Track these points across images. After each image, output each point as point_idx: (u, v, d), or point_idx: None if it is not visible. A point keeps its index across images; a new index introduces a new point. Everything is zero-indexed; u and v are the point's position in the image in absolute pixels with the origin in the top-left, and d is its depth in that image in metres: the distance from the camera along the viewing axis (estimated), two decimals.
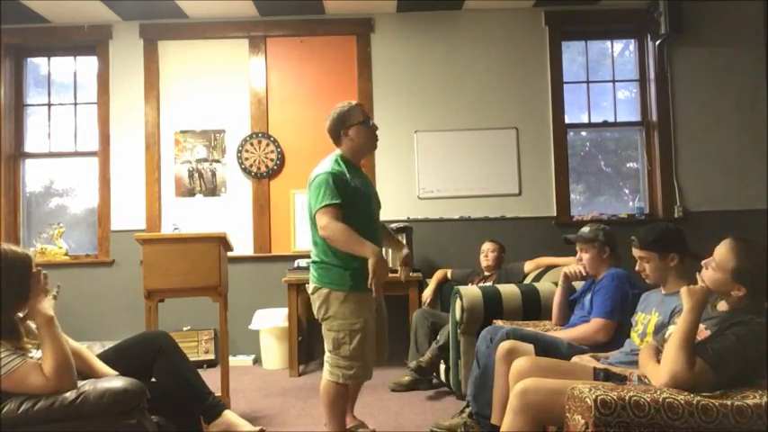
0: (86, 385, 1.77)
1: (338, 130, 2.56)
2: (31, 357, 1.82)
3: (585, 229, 2.85)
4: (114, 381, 1.81)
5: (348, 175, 2.48)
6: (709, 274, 1.85)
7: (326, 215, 2.39)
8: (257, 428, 2.43)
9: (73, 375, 1.79)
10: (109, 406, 1.73)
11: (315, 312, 2.55)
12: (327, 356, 2.50)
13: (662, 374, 1.74)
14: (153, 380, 2.27)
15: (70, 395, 1.73)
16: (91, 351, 2.15)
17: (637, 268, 2.31)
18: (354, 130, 2.54)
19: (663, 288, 2.29)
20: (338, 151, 2.59)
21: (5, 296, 1.81)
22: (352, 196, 2.45)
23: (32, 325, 1.91)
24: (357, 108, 2.58)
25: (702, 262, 1.89)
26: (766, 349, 1.71)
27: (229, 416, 2.41)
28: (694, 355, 1.71)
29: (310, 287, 2.56)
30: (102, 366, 2.07)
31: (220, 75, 4.95)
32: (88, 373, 2.01)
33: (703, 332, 1.83)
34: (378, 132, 2.64)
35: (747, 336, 1.73)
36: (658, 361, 1.86)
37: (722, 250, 1.84)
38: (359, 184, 2.51)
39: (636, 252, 2.30)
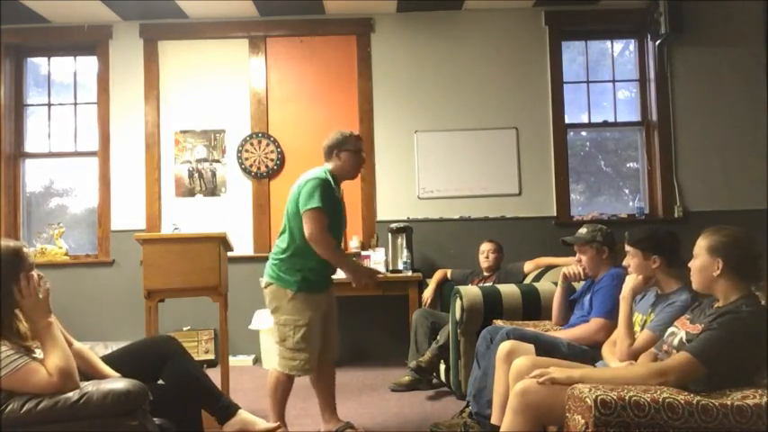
0: (89, 386, 1.77)
1: (333, 149, 2.85)
2: (35, 357, 1.81)
3: (583, 231, 2.85)
4: (117, 382, 1.81)
5: (335, 188, 2.80)
6: (694, 264, 1.94)
7: (315, 220, 2.64)
8: (274, 425, 2.44)
9: (75, 376, 1.79)
10: (112, 407, 1.74)
11: (267, 305, 2.83)
12: (277, 348, 2.78)
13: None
14: (158, 382, 2.27)
15: (73, 395, 1.73)
16: (93, 352, 2.15)
17: (624, 262, 2.39)
18: (346, 155, 2.83)
19: (658, 289, 2.31)
20: (327, 165, 2.86)
21: None
22: (332, 206, 2.73)
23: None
24: (356, 138, 2.88)
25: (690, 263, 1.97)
26: (763, 341, 1.73)
27: (243, 415, 2.42)
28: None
29: (263, 281, 2.82)
30: (104, 368, 2.08)
31: (220, 75, 4.95)
32: (91, 373, 2.01)
33: (697, 328, 1.87)
34: (363, 165, 2.93)
35: (734, 325, 1.76)
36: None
37: (697, 241, 1.95)
38: (340, 199, 2.84)
39: (626, 247, 2.37)
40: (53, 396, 1.72)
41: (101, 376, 2.00)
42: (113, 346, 2.40)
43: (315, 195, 2.64)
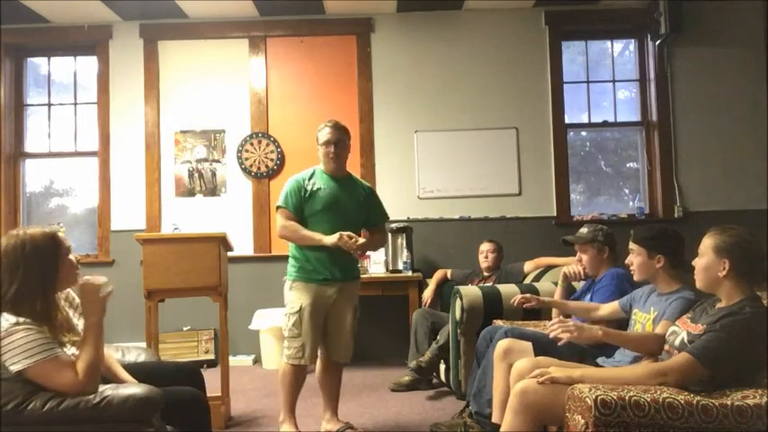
0: (108, 390, 1.78)
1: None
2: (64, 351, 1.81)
3: (584, 230, 2.85)
4: (135, 387, 1.83)
5: (311, 182, 2.87)
6: (699, 263, 1.92)
7: (279, 216, 2.88)
8: None
9: (98, 380, 1.81)
10: (131, 411, 1.74)
11: None
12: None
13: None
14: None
15: (94, 398, 1.74)
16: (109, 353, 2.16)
17: (626, 261, 2.37)
18: (320, 149, 2.92)
19: (658, 288, 2.30)
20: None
21: (30, 280, 1.78)
22: (309, 200, 2.84)
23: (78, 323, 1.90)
24: (324, 130, 2.90)
25: (693, 262, 1.96)
26: (765, 342, 1.73)
27: None
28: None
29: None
30: (123, 372, 2.08)
31: (220, 75, 4.95)
32: (109, 377, 2.02)
33: (698, 328, 1.86)
34: (332, 154, 2.87)
35: (736, 327, 1.75)
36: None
37: (703, 240, 1.94)
38: (321, 191, 2.85)
39: (630, 244, 2.36)
40: (74, 396, 1.73)
41: (118, 381, 2.01)
42: (123, 349, 2.40)
43: (280, 196, 2.88)
